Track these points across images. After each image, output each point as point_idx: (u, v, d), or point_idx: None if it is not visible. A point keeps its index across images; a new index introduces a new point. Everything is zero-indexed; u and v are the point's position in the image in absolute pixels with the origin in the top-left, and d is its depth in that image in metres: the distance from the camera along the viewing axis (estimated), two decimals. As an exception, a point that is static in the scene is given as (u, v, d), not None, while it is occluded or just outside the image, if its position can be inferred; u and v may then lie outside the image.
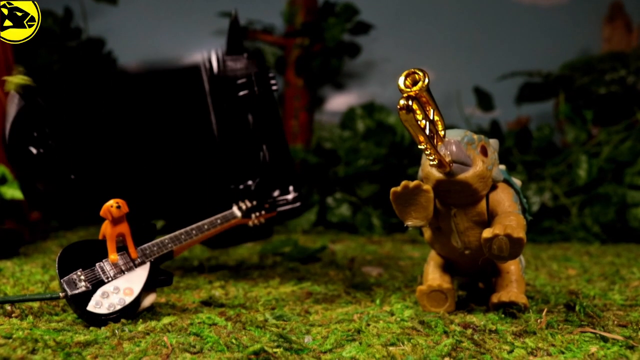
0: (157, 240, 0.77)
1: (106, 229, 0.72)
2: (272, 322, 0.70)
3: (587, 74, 2.30)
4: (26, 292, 0.83)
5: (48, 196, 0.97)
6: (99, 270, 0.70)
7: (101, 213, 0.72)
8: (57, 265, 0.68)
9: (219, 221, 0.87)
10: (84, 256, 0.70)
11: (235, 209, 0.91)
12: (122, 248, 0.73)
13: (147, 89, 1.06)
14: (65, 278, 0.67)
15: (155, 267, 0.74)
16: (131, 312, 0.68)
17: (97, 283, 0.68)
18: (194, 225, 0.83)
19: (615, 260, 1.34)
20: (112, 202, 0.72)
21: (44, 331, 0.61)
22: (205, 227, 0.84)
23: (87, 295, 0.66)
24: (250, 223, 0.92)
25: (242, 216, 0.91)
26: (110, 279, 0.69)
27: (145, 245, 0.75)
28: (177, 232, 0.80)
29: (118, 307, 0.67)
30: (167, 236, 0.78)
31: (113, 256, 0.71)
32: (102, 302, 0.66)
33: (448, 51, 2.73)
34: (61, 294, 0.66)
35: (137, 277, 0.71)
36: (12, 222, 1.29)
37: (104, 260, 0.71)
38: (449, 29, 2.72)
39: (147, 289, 0.71)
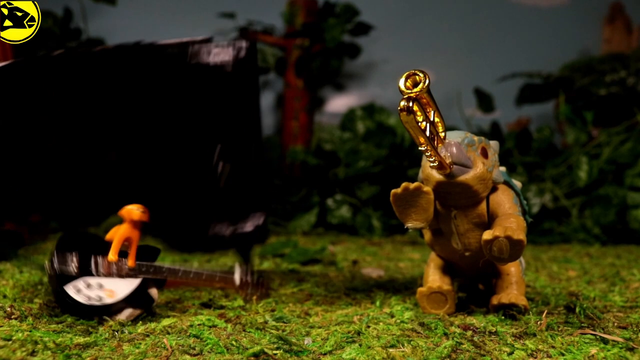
0: (157, 263, 0.76)
1: (119, 228, 0.72)
2: (272, 323, 0.70)
3: (587, 75, 2.30)
4: (25, 294, 0.83)
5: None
6: (93, 261, 0.69)
7: (121, 212, 0.72)
8: (57, 242, 0.67)
9: (217, 277, 0.85)
10: (85, 244, 0.70)
11: (236, 275, 0.89)
12: (121, 255, 0.72)
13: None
14: (59, 253, 0.66)
15: (143, 286, 0.72)
16: (103, 313, 0.67)
17: (85, 271, 0.68)
18: (194, 269, 0.81)
19: (616, 262, 1.34)
20: (136, 206, 0.72)
21: (43, 333, 0.61)
22: (204, 276, 0.82)
23: (71, 279, 0.66)
24: (242, 294, 0.87)
25: (239, 286, 0.87)
26: (99, 274, 0.69)
27: (144, 262, 0.75)
28: (177, 266, 0.79)
29: (94, 303, 0.66)
30: (166, 264, 0.78)
31: (112, 255, 0.71)
32: (81, 290, 0.66)
33: (448, 52, 2.73)
34: (47, 265, 0.66)
35: (124, 285, 0.70)
36: (12, 224, 1.29)
37: (101, 256, 0.70)
38: (449, 29, 2.72)
39: (128, 301, 0.70)
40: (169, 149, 0.87)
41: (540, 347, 0.59)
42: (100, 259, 0.70)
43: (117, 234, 0.71)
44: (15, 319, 0.67)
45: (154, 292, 0.73)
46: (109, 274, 0.70)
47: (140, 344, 0.58)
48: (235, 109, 0.87)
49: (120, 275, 0.71)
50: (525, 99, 2.44)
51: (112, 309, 0.68)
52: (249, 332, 0.64)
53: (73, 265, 0.67)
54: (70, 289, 0.65)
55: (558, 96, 2.32)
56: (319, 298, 0.87)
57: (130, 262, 0.72)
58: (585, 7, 2.68)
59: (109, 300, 0.68)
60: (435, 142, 0.63)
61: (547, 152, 2.11)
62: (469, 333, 0.63)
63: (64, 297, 0.65)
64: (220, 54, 0.83)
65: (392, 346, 0.59)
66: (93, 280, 0.68)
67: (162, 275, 0.75)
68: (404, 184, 0.67)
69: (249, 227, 0.90)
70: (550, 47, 2.61)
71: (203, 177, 0.87)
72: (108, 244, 0.72)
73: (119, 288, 0.70)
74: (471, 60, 2.69)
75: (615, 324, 0.69)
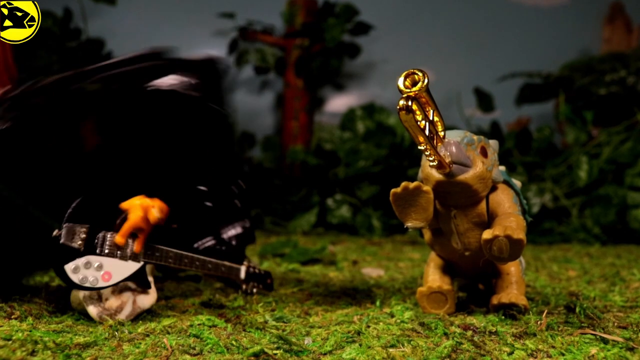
0: (163, 248, 0.76)
1: (135, 213, 0.71)
2: (272, 323, 0.70)
3: (587, 75, 2.30)
4: (25, 294, 0.83)
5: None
6: (100, 238, 0.69)
7: (142, 205, 0.71)
8: (73, 205, 0.67)
9: (223, 268, 0.84)
10: (100, 216, 0.69)
11: (242, 268, 0.89)
12: (130, 236, 0.72)
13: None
14: (69, 224, 0.66)
15: (142, 270, 0.72)
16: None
17: (89, 248, 0.68)
18: (201, 258, 0.80)
19: (616, 262, 1.34)
20: (158, 206, 0.71)
21: (43, 333, 0.61)
22: (209, 265, 0.82)
23: (74, 254, 0.66)
24: (244, 287, 0.89)
25: (244, 279, 0.88)
26: (102, 253, 0.69)
27: (150, 247, 0.74)
28: (184, 253, 0.78)
29: (86, 285, 0.67)
30: (173, 251, 0.77)
31: (120, 239, 0.70)
32: (80, 270, 0.66)
33: (448, 52, 2.73)
34: (55, 232, 0.66)
35: (123, 269, 0.70)
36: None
37: (110, 233, 0.70)
38: (449, 29, 2.72)
39: (122, 284, 0.70)
40: (140, 173, 0.82)
41: (540, 347, 0.59)
42: (107, 236, 0.69)
43: (130, 218, 0.70)
44: (15, 319, 0.67)
45: (152, 290, 0.73)
46: (112, 254, 0.69)
47: (140, 343, 0.58)
48: (201, 130, 0.83)
49: (124, 257, 0.71)
50: (525, 98, 2.44)
51: (101, 294, 0.69)
52: (249, 331, 0.64)
53: (79, 241, 0.67)
54: (69, 268, 0.65)
55: (558, 96, 2.32)
56: (319, 298, 0.87)
57: (137, 247, 0.72)
58: (585, 7, 2.68)
59: (103, 284, 0.68)
60: (435, 142, 0.62)
61: (547, 151, 2.11)
62: (469, 333, 0.63)
63: (62, 273, 0.65)
64: (180, 79, 0.77)
65: (392, 346, 0.59)
66: (95, 261, 0.68)
67: (167, 261, 0.75)
68: (403, 184, 0.67)
69: (236, 232, 0.91)
70: (550, 47, 2.61)
71: (180, 196, 0.84)
72: (119, 221, 0.71)
73: (117, 271, 0.70)
74: (471, 59, 2.70)
75: (615, 324, 0.69)
